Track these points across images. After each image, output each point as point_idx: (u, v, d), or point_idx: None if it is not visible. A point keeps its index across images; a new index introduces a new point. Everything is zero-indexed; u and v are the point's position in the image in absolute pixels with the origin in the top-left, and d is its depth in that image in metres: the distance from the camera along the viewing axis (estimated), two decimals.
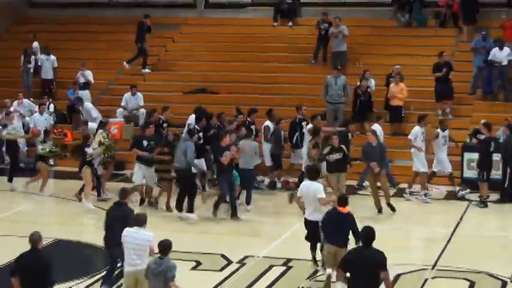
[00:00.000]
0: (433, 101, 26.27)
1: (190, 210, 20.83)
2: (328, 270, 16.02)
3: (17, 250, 17.91)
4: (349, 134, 23.38)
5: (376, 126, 23.80)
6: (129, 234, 14.08)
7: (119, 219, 14.88)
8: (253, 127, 24.35)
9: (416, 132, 22.85)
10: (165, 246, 13.39)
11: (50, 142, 23.21)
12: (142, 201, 22.13)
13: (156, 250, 13.56)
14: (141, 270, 13.88)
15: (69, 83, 29.18)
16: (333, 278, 15.99)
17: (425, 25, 30.94)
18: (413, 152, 22.84)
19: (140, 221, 14.23)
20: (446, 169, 22.90)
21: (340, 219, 15.55)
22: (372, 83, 26.69)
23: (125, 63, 30.45)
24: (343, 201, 15.84)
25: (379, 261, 12.09)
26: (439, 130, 22.87)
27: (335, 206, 16.07)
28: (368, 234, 12.35)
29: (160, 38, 32.75)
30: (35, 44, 30.60)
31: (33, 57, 29.86)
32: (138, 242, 14.10)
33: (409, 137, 22.89)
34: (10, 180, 24.17)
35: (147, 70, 30.57)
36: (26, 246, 17.39)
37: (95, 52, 31.46)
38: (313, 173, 17.03)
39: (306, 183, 16.98)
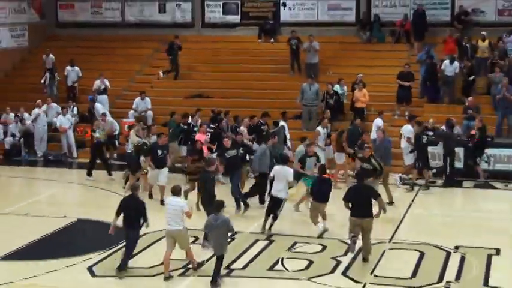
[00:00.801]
0: (390, 103, 26.34)
1: (263, 202, 20.23)
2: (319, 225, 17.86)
3: (50, 226, 18.17)
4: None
5: (378, 121, 24.29)
6: (169, 202, 15.32)
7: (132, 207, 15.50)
8: (264, 127, 24.11)
9: (410, 130, 22.88)
10: (218, 204, 15.12)
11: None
12: (151, 196, 21.04)
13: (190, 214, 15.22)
14: (177, 230, 15.06)
15: (89, 90, 29.14)
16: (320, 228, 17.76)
17: (383, 41, 31.15)
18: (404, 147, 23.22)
19: (176, 192, 15.33)
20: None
21: (322, 182, 17.90)
22: (344, 89, 26.73)
23: (160, 72, 30.58)
24: (322, 170, 18.35)
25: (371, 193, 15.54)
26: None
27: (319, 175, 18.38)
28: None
29: (165, 54, 32.62)
30: (49, 59, 30.40)
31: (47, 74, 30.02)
32: (174, 208, 15.03)
33: (406, 135, 22.89)
34: (89, 174, 23.64)
35: (162, 74, 30.64)
36: (54, 224, 17.57)
37: (111, 64, 31.59)
38: (284, 160, 17.98)
39: (278, 167, 18.19)
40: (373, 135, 23.75)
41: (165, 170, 20.91)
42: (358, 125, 23.41)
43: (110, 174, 23.81)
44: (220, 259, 14.85)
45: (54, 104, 28.19)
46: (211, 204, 16.16)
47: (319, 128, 23.02)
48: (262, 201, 20.35)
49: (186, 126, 24.46)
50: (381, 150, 20.96)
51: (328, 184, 18.33)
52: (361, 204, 15.77)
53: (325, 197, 17.97)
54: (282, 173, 18.09)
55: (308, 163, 19.59)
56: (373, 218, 15.89)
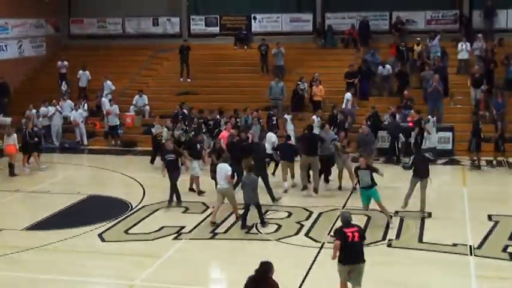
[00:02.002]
0: (342, 97, 25.74)
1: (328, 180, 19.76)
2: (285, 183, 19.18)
3: (66, 201, 18.05)
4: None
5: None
6: (220, 166, 16.52)
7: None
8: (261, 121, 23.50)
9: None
10: (250, 167, 16.46)
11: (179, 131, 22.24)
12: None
13: (230, 178, 16.24)
14: (224, 188, 16.31)
15: (97, 90, 28.97)
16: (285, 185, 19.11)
17: (335, 46, 31.06)
18: None
19: (226, 159, 17.02)
20: None
21: (288, 146, 19.37)
22: (305, 85, 26.69)
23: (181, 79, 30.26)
24: (288, 137, 20.02)
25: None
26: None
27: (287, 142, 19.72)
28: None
29: (159, 58, 32.60)
30: (63, 65, 30.25)
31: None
32: (223, 171, 16.27)
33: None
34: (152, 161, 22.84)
35: (188, 80, 30.13)
36: (70, 199, 17.45)
37: (115, 68, 31.26)
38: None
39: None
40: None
41: (200, 162, 19.84)
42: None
43: (152, 163, 22.85)
44: (258, 207, 16.04)
45: (69, 101, 27.89)
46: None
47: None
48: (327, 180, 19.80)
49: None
50: (366, 141, 20.13)
51: (293, 148, 19.59)
52: None
53: (291, 158, 19.27)
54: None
55: (362, 176, 16.21)
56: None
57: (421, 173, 16.66)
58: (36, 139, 22.45)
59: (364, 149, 19.62)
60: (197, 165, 19.30)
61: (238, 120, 23.31)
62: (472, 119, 22.65)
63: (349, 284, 10.89)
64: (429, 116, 22.90)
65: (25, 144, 22.34)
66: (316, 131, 20.63)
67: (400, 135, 22.72)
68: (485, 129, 22.40)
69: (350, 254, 10.70)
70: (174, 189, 17.89)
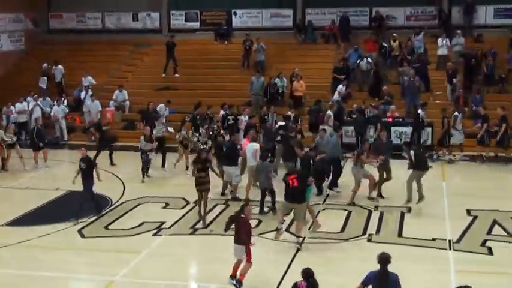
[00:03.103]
0: (322, 92, 26.15)
1: (336, 185, 18.56)
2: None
3: (46, 197, 18.00)
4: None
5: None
6: (249, 145, 18.15)
7: None
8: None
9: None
10: (264, 156, 17.21)
11: (184, 132, 21.51)
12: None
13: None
14: (253, 165, 17.60)
15: (76, 85, 28.82)
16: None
17: (315, 42, 31.09)
18: None
19: (254, 139, 18.36)
20: None
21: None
22: (284, 81, 26.72)
23: (163, 74, 30.01)
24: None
25: None
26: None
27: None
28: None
29: (139, 53, 32.56)
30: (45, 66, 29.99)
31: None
32: (251, 150, 17.83)
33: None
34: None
35: (177, 75, 29.97)
36: (49, 195, 17.35)
37: (94, 63, 31.08)
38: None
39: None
40: (336, 96, 25.64)
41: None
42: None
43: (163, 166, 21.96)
44: (271, 192, 16.64)
45: (48, 99, 27.80)
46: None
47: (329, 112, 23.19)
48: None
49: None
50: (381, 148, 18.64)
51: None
52: None
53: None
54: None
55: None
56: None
57: (422, 166, 16.89)
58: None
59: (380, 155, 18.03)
60: (238, 171, 18.49)
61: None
62: (441, 114, 22.74)
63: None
64: (456, 112, 22.67)
65: (34, 141, 22.25)
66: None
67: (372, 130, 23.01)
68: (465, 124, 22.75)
69: (290, 195, 14.31)
70: (89, 197, 16.83)
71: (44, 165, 22.51)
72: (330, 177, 18.62)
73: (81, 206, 16.45)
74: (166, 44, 29.72)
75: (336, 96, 25.76)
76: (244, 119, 23.26)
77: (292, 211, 14.71)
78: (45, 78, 29.27)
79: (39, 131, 22.62)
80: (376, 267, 10.35)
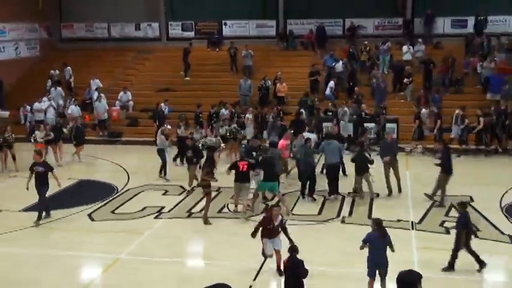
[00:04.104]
0: (301, 92, 25.67)
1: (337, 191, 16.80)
2: None
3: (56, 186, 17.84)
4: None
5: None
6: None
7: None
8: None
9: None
10: (272, 144, 17.39)
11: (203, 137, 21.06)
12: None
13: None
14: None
15: (85, 87, 28.67)
16: None
17: (295, 49, 31.05)
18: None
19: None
20: None
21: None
22: (268, 83, 26.70)
23: (181, 73, 29.73)
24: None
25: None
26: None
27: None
28: None
29: (141, 59, 32.36)
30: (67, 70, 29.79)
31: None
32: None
33: None
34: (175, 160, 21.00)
35: (187, 78, 29.66)
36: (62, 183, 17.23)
37: (101, 68, 30.90)
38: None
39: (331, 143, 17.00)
40: (328, 91, 25.51)
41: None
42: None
43: (174, 160, 20.89)
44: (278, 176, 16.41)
45: (59, 89, 27.75)
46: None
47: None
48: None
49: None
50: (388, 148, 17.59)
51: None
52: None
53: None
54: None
55: None
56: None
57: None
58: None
59: (385, 154, 17.19)
60: None
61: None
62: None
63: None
64: (423, 110, 22.65)
65: (77, 137, 21.88)
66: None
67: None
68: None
69: (240, 177, 15.26)
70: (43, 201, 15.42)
71: (78, 160, 22.02)
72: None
73: (47, 209, 15.48)
74: (184, 50, 29.52)
75: (328, 91, 25.69)
76: (249, 117, 23.14)
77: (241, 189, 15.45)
78: (50, 81, 29.13)
79: (78, 128, 22.18)
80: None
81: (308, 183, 16.63)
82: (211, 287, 4.22)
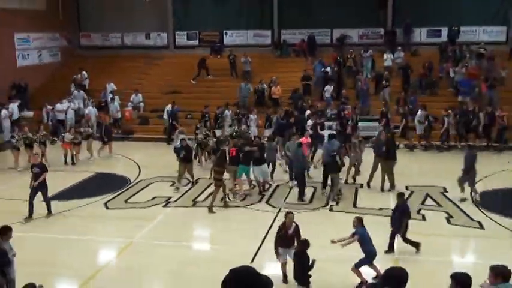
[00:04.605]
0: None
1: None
2: None
3: (78, 177, 17.83)
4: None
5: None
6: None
7: None
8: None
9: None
10: (270, 138, 17.88)
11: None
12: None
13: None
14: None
15: (101, 90, 28.58)
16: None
17: (288, 56, 31.00)
18: None
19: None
20: None
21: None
22: (264, 86, 26.65)
23: (192, 81, 29.41)
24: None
25: None
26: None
27: None
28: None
29: (151, 65, 32.20)
30: (82, 74, 29.62)
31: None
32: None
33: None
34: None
35: (193, 82, 29.38)
36: (80, 176, 17.13)
37: (116, 73, 30.74)
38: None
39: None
40: (327, 94, 25.03)
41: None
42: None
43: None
44: (273, 164, 17.49)
45: (81, 92, 27.49)
46: None
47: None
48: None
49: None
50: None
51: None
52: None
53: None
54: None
55: None
56: None
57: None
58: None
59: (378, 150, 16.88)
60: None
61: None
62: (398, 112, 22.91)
63: None
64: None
65: (106, 135, 21.66)
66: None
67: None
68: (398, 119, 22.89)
69: (231, 161, 15.54)
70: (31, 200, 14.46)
71: (109, 156, 21.72)
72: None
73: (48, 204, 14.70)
74: (200, 59, 29.38)
75: (327, 94, 25.29)
76: (253, 117, 22.91)
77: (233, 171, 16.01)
78: (73, 84, 28.98)
79: (106, 128, 22.00)
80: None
81: (299, 187, 15.85)
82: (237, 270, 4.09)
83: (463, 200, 15.37)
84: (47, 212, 14.65)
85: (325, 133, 18.56)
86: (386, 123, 21.89)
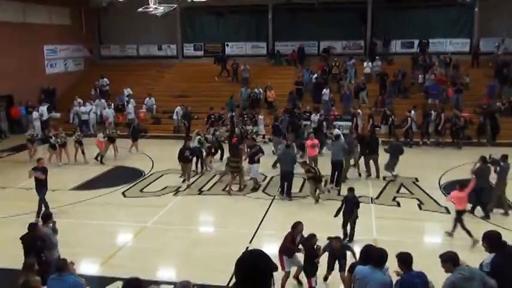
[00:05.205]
0: (286, 98, 25.66)
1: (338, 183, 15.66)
2: None
3: (98, 170, 17.73)
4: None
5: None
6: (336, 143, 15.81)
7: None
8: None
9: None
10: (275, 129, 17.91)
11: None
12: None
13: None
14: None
15: (119, 94, 28.48)
16: None
17: (282, 65, 30.93)
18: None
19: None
20: None
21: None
22: (260, 90, 26.64)
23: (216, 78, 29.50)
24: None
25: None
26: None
27: None
28: None
29: (162, 72, 32.12)
30: (103, 81, 29.55)
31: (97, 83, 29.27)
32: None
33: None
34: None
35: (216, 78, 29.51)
36: (101, 169, 17.02)
37: (132, 80, 30.67)
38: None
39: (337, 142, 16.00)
40: (326, 98, 24.44)
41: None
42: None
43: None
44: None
45: (103, 101, 27.27)
46: None
47: None
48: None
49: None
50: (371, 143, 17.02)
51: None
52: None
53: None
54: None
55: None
56: None
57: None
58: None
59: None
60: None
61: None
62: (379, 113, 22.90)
63: None
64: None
65: (134, 135, 21.40)
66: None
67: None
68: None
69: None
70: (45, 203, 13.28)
71: (138, 152, 21.28)
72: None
73: (46, 206, 13.21)
74: (232, 64, 29.39)
75: (326, 97, 24.83)
76: (261, 117, 22.57)
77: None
78: (94, 89, 29.05)
79: (135, 128, 21.74)
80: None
81: (285, 184, 14.86)
82: (247, 253, 3.74)
83: (395, 176, 16.22)
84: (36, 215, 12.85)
85: (336, 132, 17.74)
86: (372, 124, 21.70)
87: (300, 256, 9.20)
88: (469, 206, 12.32)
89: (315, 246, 8.96)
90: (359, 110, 22.65)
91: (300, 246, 9.17)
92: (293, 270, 9.45)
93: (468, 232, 11.09)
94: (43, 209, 12.88)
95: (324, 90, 25.39)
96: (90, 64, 33.45)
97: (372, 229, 12.20)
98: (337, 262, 9.13)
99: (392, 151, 16.33)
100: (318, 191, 14.44)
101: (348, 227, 11.53)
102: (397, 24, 29.97)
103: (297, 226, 9.18)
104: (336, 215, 11.60)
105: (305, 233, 9.24)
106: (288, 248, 9.01)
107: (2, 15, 25.74)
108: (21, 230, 9.26)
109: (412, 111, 21.96)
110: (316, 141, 16.90)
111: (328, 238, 9.21)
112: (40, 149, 20.93)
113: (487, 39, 28.69)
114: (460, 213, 11.46)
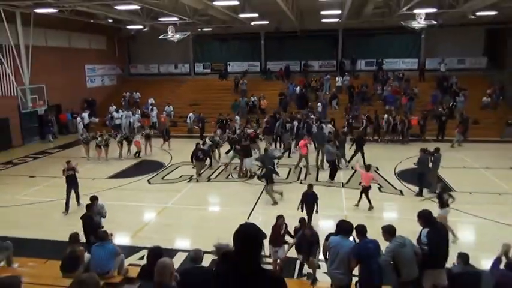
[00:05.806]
0: (275, 105, 25.52)
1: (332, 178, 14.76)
2: None
3: (129, 163, 17.47)
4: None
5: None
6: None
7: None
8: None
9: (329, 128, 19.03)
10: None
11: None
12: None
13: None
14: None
15: (144, 103, 28.29)
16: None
17: (272, 79, 30.72)
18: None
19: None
20: None
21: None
22: (255, 99, 26.49)
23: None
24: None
25: None
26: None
27: None
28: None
29: (178, 86, 31.87)
30: (135, 94, 29.28)
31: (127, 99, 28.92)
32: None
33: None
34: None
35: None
36: (131, 162, 16.77)
37: (154, 92, 30.44)
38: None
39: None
40: (319, 105, 23.88)
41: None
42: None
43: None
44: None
45: (129, 112, 26.71)
46: None
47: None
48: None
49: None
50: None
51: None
52: None
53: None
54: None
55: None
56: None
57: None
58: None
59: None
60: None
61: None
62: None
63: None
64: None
65: (166, 135, 20.89)
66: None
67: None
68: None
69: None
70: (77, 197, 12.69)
71: (170, 149, 20.59)
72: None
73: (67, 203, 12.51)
74: (235, 79, 29.03)
75: (319, 109, 23.91)
76: (265, 119, 21.81)
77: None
78: (123, 99, 28.64)
79: (167, 129, 21.31)
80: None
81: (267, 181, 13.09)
82: (242, 226, 3.59)
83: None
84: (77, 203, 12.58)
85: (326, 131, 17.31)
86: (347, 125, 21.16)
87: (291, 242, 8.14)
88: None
89: (284, 225, 8.05)
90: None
91: (288, 238, 8.23)
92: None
93: (369, 201, 11.96)
94: (71, 197, 12.39)
95: (319, 103, 24.60)
96: (122, 80, 33.23)
97: (342, 208, 12.21)
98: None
99: (357, 143, 16.85)
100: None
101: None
102: (361, 47, 30.00)
103: (277, 220, 8.15)
104: (298, 209, 10.56)
105: (291, 214, 9.20)
106: (273, 238, 8.04)
107: (53, 41, 25.67)
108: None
109: (367, 115, 21.97)
110: (307, 141, 16.08)
111: (300, 221, 8.24)
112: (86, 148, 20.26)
113: (431, 59, 28.89)
114: (366, 189, 12.00)
